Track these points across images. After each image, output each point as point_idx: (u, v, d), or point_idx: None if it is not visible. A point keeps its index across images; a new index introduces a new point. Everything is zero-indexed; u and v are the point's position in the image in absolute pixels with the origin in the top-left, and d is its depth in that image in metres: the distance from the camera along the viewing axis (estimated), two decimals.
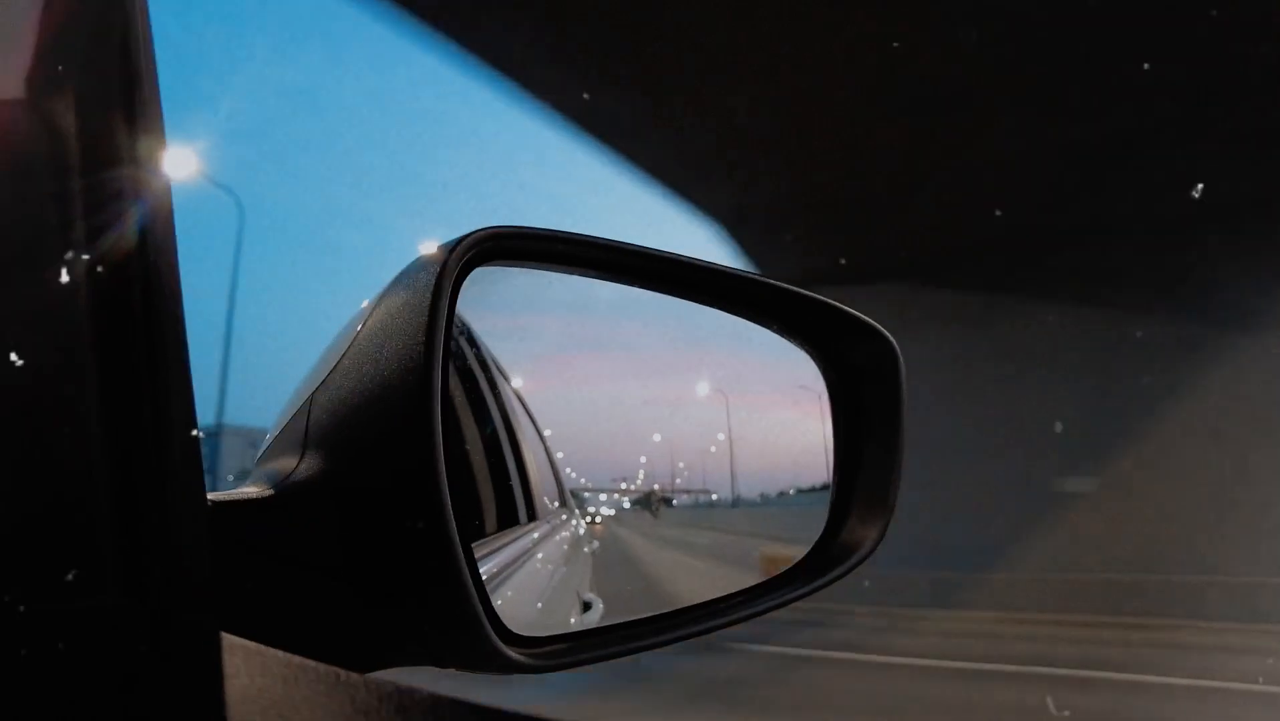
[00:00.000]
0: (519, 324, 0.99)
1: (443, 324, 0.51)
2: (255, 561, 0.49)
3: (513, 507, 1.00)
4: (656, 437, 0.90)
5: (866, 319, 0.67)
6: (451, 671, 0.53)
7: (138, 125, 0.41)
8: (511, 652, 0.49)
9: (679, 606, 0.63)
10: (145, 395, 0.42)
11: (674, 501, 0.98)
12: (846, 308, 0.68)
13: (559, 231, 0.60)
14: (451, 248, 0.53)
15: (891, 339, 0.66)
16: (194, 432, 0.45)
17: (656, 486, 0.98)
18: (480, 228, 0.56)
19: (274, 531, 0.50)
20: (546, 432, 1.06)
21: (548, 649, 0.54)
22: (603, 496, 1.00)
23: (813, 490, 0.77)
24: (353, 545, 0.50)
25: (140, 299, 0.42)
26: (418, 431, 0.48)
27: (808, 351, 0.73)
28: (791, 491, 0.87)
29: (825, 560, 0.69)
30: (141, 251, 0.42)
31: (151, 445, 0.42)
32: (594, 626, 0.76)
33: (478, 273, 0.66)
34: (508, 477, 1.00)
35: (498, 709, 0.36)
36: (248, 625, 0.45)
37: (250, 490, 0.54)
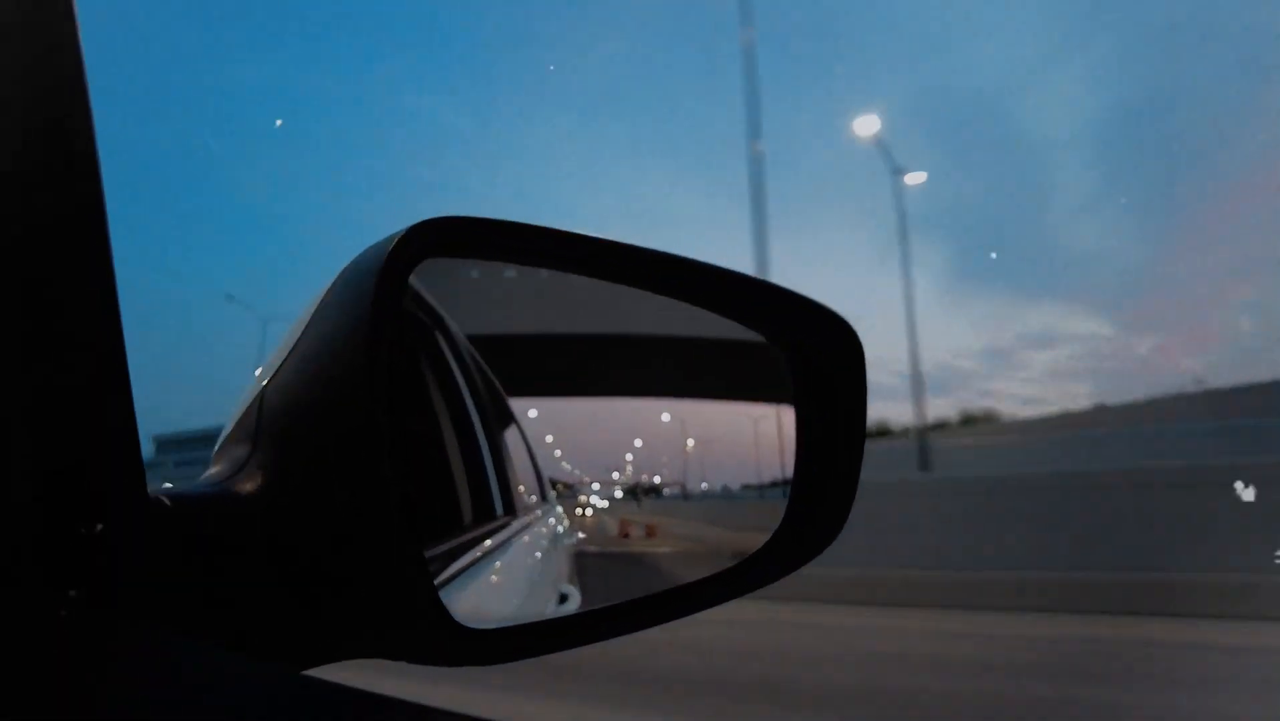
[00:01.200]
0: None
1: (388, 314, 0.50)
2: (200, 555, 0.48)
3: (489, 501, 1.00)
4: (638, 442, 1.02)
5: (824, 305, 0.66)
6: (403, 664, 0.53)
7: (61, 115, 0.41)
8: (457, 644, 0.49)
9: (630, 598, 0.62)
10: (79, 386, 0.42)
11: (664, 492, 1.04)
12: (804, 294, 0.67)
13: (512, 222, 0.59)
14: (398, 236, 0.53)
15: (849, 323, 0.65)
16: (131, 424, 0.45)
17: (644, 477, 1.02)
18: (430, 216, 0.55)
19: (220, 526, 0.50)
20: (548, 438, 1.07)
21: (496, 640, 0.54)
22: (595, 486, 1.03)
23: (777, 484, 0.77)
24: (299, 538, 0.50)
25: (70, 287, 0.41)
26: (362, 424, 0.48)
27: (768, 341, 0.72)
28: (755, 484, 0.89)
29: (785, 549, 0.68)
30: (72, 237, 0.42)
31: (84, 437, 0.41)
32: (545, 618, 0.76)
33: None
34: (484, 472, 1.00)
35: (430, 706, 0.35)
36: (185, 618, 0.45)
37: (200, 485, 0.53)
